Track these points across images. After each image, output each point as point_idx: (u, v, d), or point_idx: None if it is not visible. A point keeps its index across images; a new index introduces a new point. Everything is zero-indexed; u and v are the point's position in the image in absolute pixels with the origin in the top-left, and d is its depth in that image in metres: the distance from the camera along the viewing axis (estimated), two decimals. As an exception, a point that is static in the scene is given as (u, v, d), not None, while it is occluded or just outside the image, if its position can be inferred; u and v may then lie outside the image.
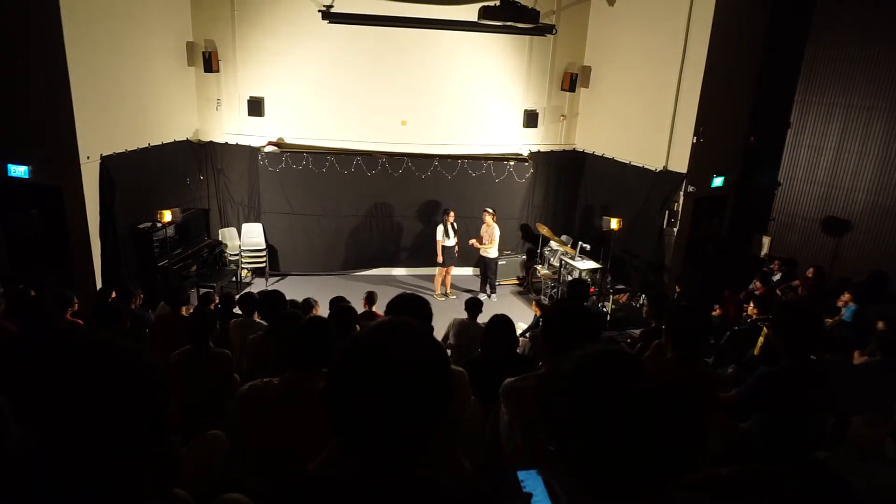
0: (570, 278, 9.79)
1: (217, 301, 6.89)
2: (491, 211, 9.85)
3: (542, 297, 9.96)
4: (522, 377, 2.26)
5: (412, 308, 2.75)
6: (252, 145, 10.15)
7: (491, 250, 9.96)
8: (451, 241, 9.87)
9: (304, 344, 2.52)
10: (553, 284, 9.96)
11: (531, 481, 1.19)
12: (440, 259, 9.90)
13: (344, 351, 1.13)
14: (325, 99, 10.15)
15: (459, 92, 10.46)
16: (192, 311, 6.04)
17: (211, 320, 4.07)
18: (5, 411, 2.75)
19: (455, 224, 9.91)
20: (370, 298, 7.05)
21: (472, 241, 10.00)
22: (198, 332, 3.86)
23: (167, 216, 8.09)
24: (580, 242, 10.02)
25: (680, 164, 9.13)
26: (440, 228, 9.82)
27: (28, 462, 1.02)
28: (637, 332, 7.43)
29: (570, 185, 11.36)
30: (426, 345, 1.13)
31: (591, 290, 9.85)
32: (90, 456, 1.00)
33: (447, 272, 10.14)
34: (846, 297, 7.07)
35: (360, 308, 6.43)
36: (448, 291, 10.19)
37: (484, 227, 9.90)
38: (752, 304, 6.65)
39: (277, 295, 4.41)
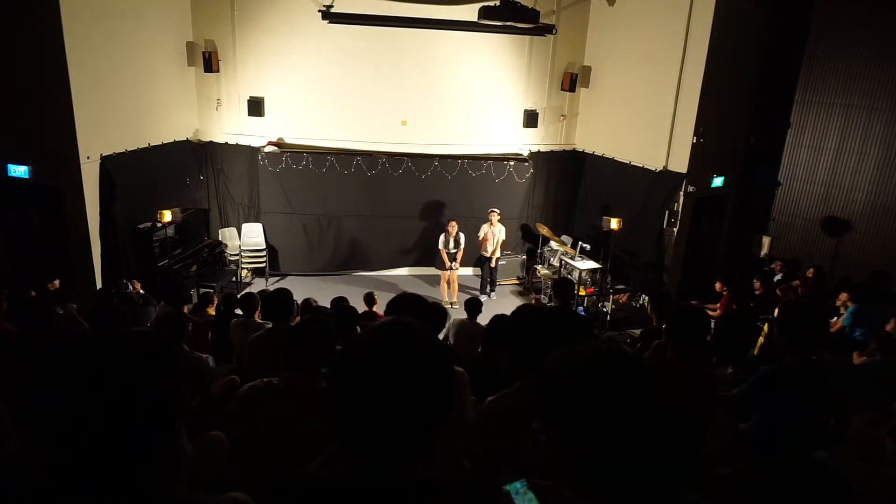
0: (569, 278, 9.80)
1: (217, 301, 6.89)
2: (497, 211, 9.77)
3: (542, 297, 9.97)
4: (497, 397, 2.22)
5: (413, 308, 2.75)
6: (252, 145, 10.15)
7: (495, 253, 9.87)
8: (452, 249, 9.60)
9: (304, 344, 2.51)
10: (553, 284, 9.95)
11: (518, 492, 1.18)
12: (447, 264, 9.62)
13: (346, 351, 1.13)
14: (326, 99, 10.15)
15: (459, 92, 10.46)
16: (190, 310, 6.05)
17: (180, 323, 3.96)
18: (3, 413, 2.75)
19: (460, 236, 9.59)
20: (369, 299, 7.04)
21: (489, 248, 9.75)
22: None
23: (167, 216, 8.09)
24: (580, 242, 10.02)
25: (680, 164, 9.12)
26: (441, 238, 9.64)
27: (34, 461, 1.01)
28: (637, 332, 7.44)
29: (570, 185, 11.36)
30: (428, 345, 1.12)
31: (591, 290, 9.86)
32: (108, 452, 1.00)
33: (451, 278, 9.88)
34: (843, 296, 7.07)
35: (361, 309, 6.44)
36: (454, 301, 9.75)
37: (487, 226, 9.76)
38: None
39: (284, 293, 4.39)
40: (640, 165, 9.72)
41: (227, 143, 10.20)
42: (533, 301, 9.46)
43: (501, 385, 2.31)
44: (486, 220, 9.85)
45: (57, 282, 5.90)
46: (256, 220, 10.43)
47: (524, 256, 11.14)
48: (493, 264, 9.98)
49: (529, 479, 1.18)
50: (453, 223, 9.63)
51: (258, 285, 9.84)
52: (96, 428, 0.98)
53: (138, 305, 6.58)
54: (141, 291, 7.49)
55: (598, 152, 10.68)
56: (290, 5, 9.63)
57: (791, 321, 2.88)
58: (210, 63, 9.57)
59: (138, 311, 6.50)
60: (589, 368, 1.13)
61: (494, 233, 9.78)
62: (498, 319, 3.73)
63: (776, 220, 10.62)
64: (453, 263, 9.67)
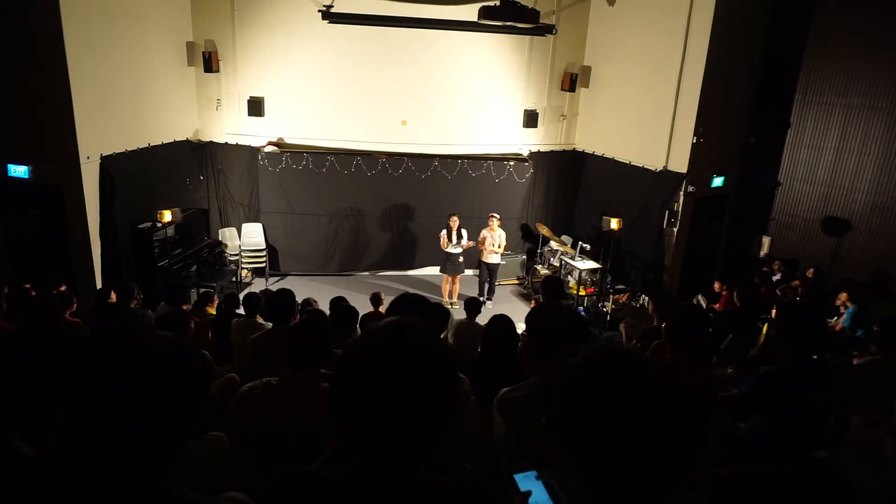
0: (569, 278, 9.80)
1: (217, 301, 6.89)
2: (497, 216, 9.63)
3: (542, 298, 9.93)
4: (515, 387, 2.23)
5: (415, 308, 2.74)
6: (252, 145, 10.15)
7: (494, 256, 9.67)
8: (455, 249, 9.43)
9: (302, 345, 2.51)
10: (541, 283, 9.89)
11: (529, 483, 1.19)
12: (448, 242, 9.43)
13: (352, 349, 1.13)
14: (325, 99, 10.15)
15: (459, 92, 10.46)
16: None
17: (182, 322, 3.96)
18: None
19: (462, 231, 9.47)
20: (376, 299, 6.98)
21: (469, 242, 9.52)
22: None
23: (167, 216, 8.08)
24: (580, 242, 10.02)
25: (680, 164, 9.13)
26: (443, 233, 9.53)
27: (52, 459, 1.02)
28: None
29: (570, 185, 11.36)
30: (434, 345, 1.12)
31: (591, 290, 9.87)
32: (130, 451, 1.00)
33: (453, 280, 9.75)
34: (843, 296, 7.06)
35: (367, 309, 6.42)
36: (454, 301, 9.69)
37: (488, 230, 9.58)
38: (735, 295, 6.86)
39: (286, 294, 4.39)
40: (640, 165, 9.73)
41: (227, 143, 10.20)
42: (533, 301, 9.45)
43: (501, 385, 2.31)
44: (487, 220, 9.67)
45: (64, 287, 5.91)
46: (256, 220, 10.43)
47: (524, 256, 11.14)
48: (489, 260, 9.72)
49: (540, 470, 1.19)
50: (454, 217, 9.51)
51: (258, 285, 9.85)
52: (123, 428, 0.99)
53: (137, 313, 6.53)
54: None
55: (598, 152, 10.68)
56: (290, 5, 9.63)
57: (788, 321, 2.88)
58: (210, 63, 9.57)
59: (137, 312, 6.48)
60: (591, 367, 1.13)
61: (494, 237, 9.60)
62: (497, 318, 3.73)
63: (776, 220, 10.62)
64: (458, 251, 9.46)
